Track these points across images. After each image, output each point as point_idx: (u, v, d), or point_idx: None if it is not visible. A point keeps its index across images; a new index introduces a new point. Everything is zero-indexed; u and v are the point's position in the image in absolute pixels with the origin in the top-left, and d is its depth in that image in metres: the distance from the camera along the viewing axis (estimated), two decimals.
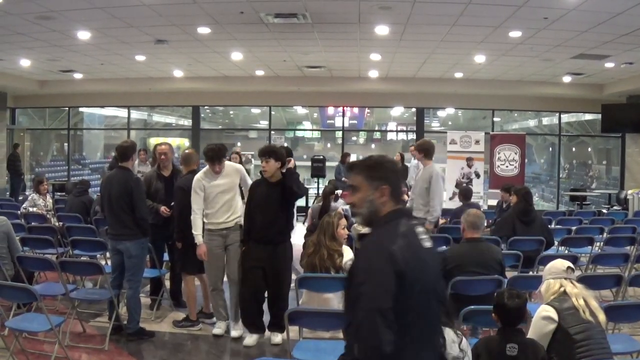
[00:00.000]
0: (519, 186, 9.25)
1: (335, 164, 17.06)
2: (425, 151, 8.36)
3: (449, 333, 3.43)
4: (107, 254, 7.90)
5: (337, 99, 19.94)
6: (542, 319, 3.92)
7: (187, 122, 22.44)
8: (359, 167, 2.92)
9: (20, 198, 16.02)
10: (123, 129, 22.21)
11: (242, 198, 7.06)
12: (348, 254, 6.19)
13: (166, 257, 7.89)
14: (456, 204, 14.04)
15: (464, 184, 14.83)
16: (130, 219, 6.44)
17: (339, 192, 11.27)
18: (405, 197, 11.21)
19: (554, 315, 3.87)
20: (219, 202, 6.62)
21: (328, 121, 24.74)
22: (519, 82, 17.49)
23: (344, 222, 6.35)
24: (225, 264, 6.77)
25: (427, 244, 2.74)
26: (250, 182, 6.96)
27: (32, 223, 9.80)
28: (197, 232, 6.57)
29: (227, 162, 6.88)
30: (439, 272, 2.91)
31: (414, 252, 2.63)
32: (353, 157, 16.74)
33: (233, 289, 6.75)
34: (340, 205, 10.00)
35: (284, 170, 6.47)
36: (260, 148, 6.59)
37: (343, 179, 15.55)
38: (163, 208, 7.35)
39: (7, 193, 18.76)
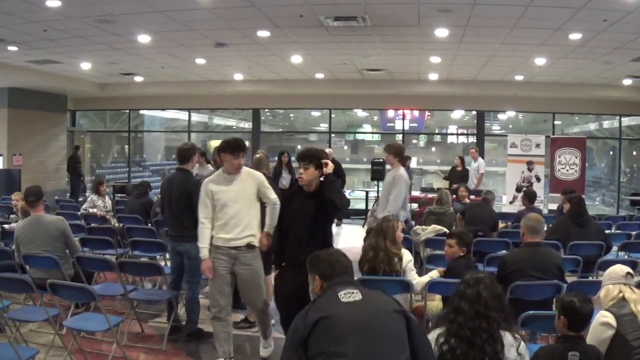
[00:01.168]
0: (572, 193, 9.19)
1: None
2: (399, 155, 8.58)
3: (507, 336, 3.47)
4: (167, 255, 7.95)
5: (397, 102, 19.82)
6: (600, 324, 3.88)
7: (247, 125, 22.58)
8: None
9: (80, 199, 16.35)
10: (183, 131, 22.53)
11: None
12: (407, 257, 6.12)
13: None
14: (516, 208, 13.86)
15: (524, 188, 14.62)
16: (191, 221, 6.31)
17: None
18: (467, 200, 11.15)
19: (612, 321, 3.84)
20: (228, 212, 5.69)
21: (388, 124, 24.60)
22: (579, 84, 17.12)
23: (401, 225, 6.27)
24: (240, 292, 6.09)
25: (348, 299, 3.14)
26: (274, 194, 5.91)
27: (92, 224, 9.96)
28: (202, 244, 5.74)
29: (244, 168, 5.90)
30: (374, 314, 3.13)
31: (321, 315, 3.06)
32: (414, 161, 16.55)
33: (261, 314, 6.09)
34: None
35: (322, 178, 5.47)
36: (300, 151, 5.66)
37: None
38: None
39: (68, 194, 19.21)
